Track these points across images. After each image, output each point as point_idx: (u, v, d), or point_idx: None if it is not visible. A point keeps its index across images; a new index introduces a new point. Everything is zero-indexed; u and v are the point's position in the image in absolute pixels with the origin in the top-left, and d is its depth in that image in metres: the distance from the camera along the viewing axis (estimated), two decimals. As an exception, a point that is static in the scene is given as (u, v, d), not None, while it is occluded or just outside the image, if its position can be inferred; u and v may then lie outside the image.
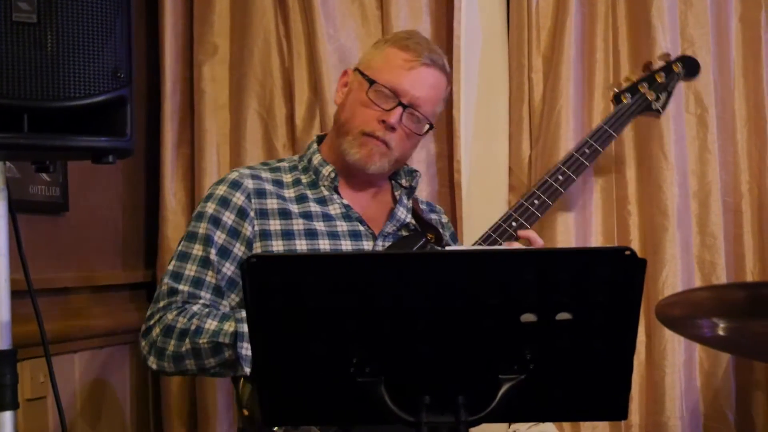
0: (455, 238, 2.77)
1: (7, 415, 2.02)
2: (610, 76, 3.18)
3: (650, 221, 3.16)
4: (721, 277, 3.12)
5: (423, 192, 3.18)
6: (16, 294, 2.33)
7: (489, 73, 3.29)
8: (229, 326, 2.29)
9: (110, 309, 3.12)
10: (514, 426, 3.04)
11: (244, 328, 2.27)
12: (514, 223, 2.63)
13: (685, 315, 2.14)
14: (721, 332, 2.11)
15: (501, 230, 2.62)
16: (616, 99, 2.93)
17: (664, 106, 2.97)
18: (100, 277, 3.20)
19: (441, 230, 2.64)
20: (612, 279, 1.56)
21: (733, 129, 3.19)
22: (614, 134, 2.87)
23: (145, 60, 3.44)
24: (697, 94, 3.19)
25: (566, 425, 3.13)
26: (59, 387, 2.87)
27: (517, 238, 2.61)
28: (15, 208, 2.07)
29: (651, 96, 2.93)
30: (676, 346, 3.10)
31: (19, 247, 2.11)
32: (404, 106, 2.49)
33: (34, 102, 1.75)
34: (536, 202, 2.70)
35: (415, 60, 2.51)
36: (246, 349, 2.26)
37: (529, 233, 2.63)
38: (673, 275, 3.10)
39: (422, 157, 3.27)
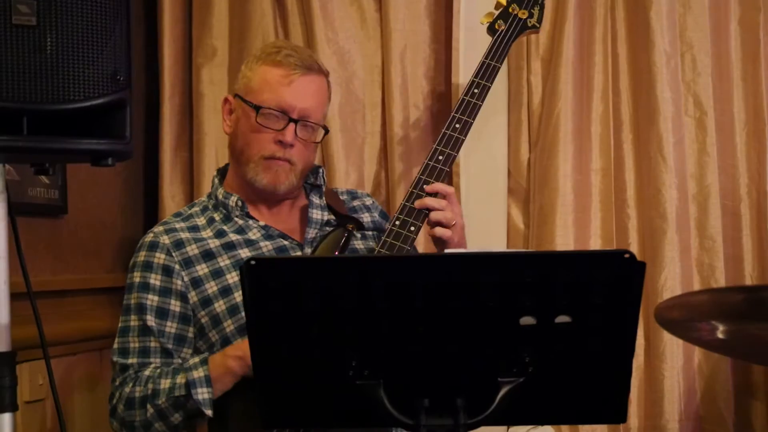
0: (385, 215, 2.76)
1: (6, 417, 2.02)
2: (609, 79, 3.17)
3: (649, 224, 3.16)
4: (720, 280, 3.13)
5: (421, 195, 3.18)
6: (15, 296, 2.33)
7: (488, 77, 3.29)
8: (180, 379, 2.33)
9: (109, 312, 3.12)
10: (513, 429, 3.05)
11: (194, 375, 2.32)
12: (424, 185, 2.57)
13: (683, 318, 2.14)
14: (719, 335, 2.11)
15: (414, 196, 2.55)
16: (491, 29, 2.85)
17: (539, 20, 2.89)
18: (99, 279, 3.20)
19: (369, 212, 2.69)
20: (611, 282, 1.56)
21: (732, 132, 3.19)
22: (498, 65, 2.78)
23: (144, 63, 3.44)
24: (696, 97, 3.19)
25: (564, 428, 3.13)
26: (59, 389, 2.88)
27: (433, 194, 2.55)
28: (14, 211, 2.07)
29: (524, 15, 2.86)
30: (674, 349, 3.10)
31: (18, 249, 2.11)
32: (295, 121, 2.51)
33: (33, 104, 1.74)
34: (440, 157, 2.63)
35: (291, 73, 2.50)
36: (201, 394, 2.30)
37: (437, 186, 2.57)
38: (672, 278, 3.10)
39: (420, 161, 3.27)
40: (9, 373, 2.05)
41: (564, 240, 3.14)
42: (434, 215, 2.52)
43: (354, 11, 3.33)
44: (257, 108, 2.49)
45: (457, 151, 2.67)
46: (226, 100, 2.62)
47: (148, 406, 2.35)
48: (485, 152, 3.26)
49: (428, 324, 1.60)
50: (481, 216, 3.18)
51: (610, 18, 3.21)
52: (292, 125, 2.50)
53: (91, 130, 1.81)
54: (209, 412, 2.30)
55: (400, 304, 1.59)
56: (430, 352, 1.62)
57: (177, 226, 2.56)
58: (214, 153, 3.33)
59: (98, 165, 1.84)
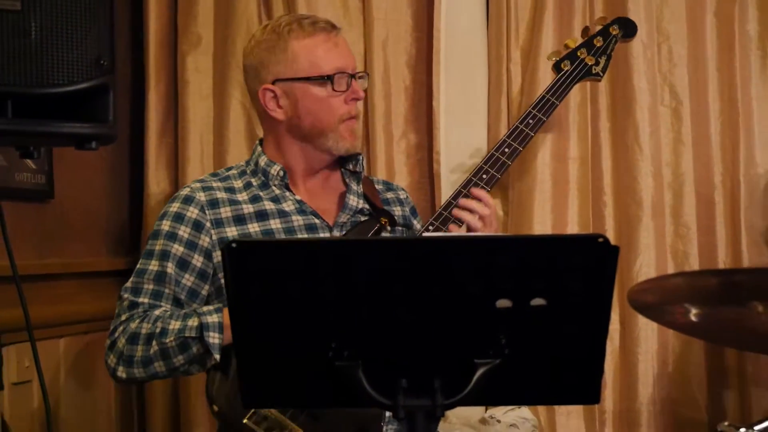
0: (415, 212, 2.77)
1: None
2: (587, 68, 3.18)
3: (625, 211, 3.17)
4: (694, 266, 3.14)
5: (403, 182, 3.19)
6: (1, 280, 2.33)
7: (468, 64, 3.29)
8: (193, 321, 2.32)
9: (95, 295, 3.12)
10: (491, 410, 3.05)
11: (208, 319, 2.31)
12: (452, 210, 2.60)
13: (657, 301, 2.14)
14: (693, 318, 2.12)
15: (443, 218, 2.59)
16: (556, 67, 2.88)
17: (604, 70, 2.92)
18: (84, 263, 3.19)
19: (401, 206, 2.68)
20: (585, 265, 1.56)
21: (707, 122, 3.20)
22: (557, 102, 2.82)
23: (130, 50, 3.43)
24: (671, 87, 3.21)
25: (541, 410, 3.14)
26: (45, 371, 2.87)
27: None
28: (1, 195, 2.06)
29: (591, 61, 2.89)
30: (649, 333, 3.12)
31: (5, 233, 2.10)
32: (353, 76, 2.52)
33: (18, 88, 1.74)
34: (484, 176, 2.66)
35: (330, 36, 2.50)
36: (213, 338, 2.29)
37: (479, 192, 2.61)
38: (647, 264, 3.12)
39: (402, 148, 3.28)
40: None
41: (542, 226, 3.15)
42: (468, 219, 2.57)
43: (337, 0, 3.32)
44: (327, 78, 2.47)
45: (501, 174, 2.70)
46: (265, 90, 2.52)
47: (154, 343, 2.32)
48: (466, 139, 3.27)
49: (406, 307, 1.59)
50: (461, 202, 3.18)
51: (588, 9, 3.22)
52: (353, 81, 2.51)
53: (75, 114, 1.80)
54: (217, 356, 2.28)
55: (379, 287, 1.59)
56: (408, 334, 1.61)
57: (214, 185, 2.55)
58: (198, 139, 3.33)
59: (82, 148, 1.83)
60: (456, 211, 2.58)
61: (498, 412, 3.04)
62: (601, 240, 1.53)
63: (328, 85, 2.48)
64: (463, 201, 2.59)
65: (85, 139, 1.83)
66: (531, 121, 2.77)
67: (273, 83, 2.51)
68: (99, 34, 1.79)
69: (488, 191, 2.64)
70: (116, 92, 1.84)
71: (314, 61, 2.49)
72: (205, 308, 2.37)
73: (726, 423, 1.89)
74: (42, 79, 1.75)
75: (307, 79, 2.49)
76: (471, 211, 2.58)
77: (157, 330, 2.33)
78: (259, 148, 2.60)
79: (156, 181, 3.36)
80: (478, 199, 2.60)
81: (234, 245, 1.57)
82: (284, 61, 2.50)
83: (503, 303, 1.58)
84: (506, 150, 2.72)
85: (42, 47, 1.75)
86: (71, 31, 1.76)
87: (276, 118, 2.53)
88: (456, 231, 2.56)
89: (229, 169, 2.65)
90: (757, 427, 1.86)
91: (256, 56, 2.53)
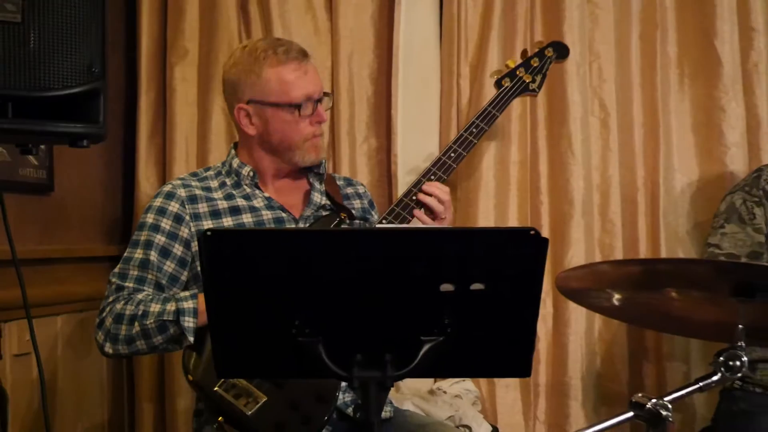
0: (372, 205, 2.75)
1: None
2: (527, 83, 3.19)
3: (559, 209, 3.18)
4: (618, 257, 3.15)
5: (364, 180, 3.18)
6: (3, 263, 2.30)
7: (423, 78, 3.29)
8: (170, 306, 2.31)
9: (90, 278, 3.09)
10: (438, 383, 3.05)
11: (184, 305, 2.30)
12: (414, 197, 2.60)
13: (583, 287, 2.14)
14: (615, 303, 2.12)
15: (403, 204, 2.58)
16: (498, 84, 2.88)
17: (539, 87, 2.92)
18: (81, 249, 3.17)
19: (360, 200, 2.67)
20: (519, 255, 1.55)
21: (631, 131, 3.22)
22: (498, 114, 2.82)
23: (125, 61, 3.41)
24: (601, 101, 3.22)
25: (483, 383, 3.14)
26: (44, 344, 2.86)
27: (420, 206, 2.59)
28: (6, 188, 2.04)
29: (528, 78, 2.89)
30: (578, 317, 3.14)
31: (5, 220, 2.08)
32: (319, 101, 2.49)
33: (17, 92, 1.72)
34: (432, 177, 2.65)
35: (300, 65, 2.47)
36: (188, 322, 2.29)
37: (432, 185, 2.61)
38: (578, 256, 3.13)
39: (364, 150, 3.27)
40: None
41: (486, 222, 3.15)
42: (430, 202, 2.57)
43: (309, 20, 3.31)
44: (297, 106, 2.45)
45: (447, 176, 2.69)
46: (240, 110, 2.49)
47: (136, 324, 2.31)
48: (420, 144, 3.26)
49: (361, 289, 1.59)
50: (415, 199, 3.17)
51: (529, 31, 3.22)
52: (318, 105, 2.49)
53: (69, 115, 1.79)
54: (191, 339, 2.28)
55: (337, 272, 1.58)
56: (362, 314, 1.61)
57: (193, 183, 2.53)
58: (184, 141, 3.31)
59: (75, 146, 1.81)
60: (421, 196, 2.58)
61: (444, 384, 3.04)
62: (532, 233, 1.53)
63: (295, 111, 2.46)
64: (426, 186, 2.58)
65: (77, 137, 1.82)
66: (474, 130, 2.77)
67: (247, 103, 2.49)
68: (91, 45, 1.77)
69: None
70: (106, 96, 1.83)
71: (285, 89, 2.46)
72: (181, 294, 2.36)
73: (640, 394, 1.89)
74: (39, 83, 1.73)
75: (278, 104, 2.47)
76: (432, 195, 2.57)
77: (139, 312, 2.32)
78: (233, 152, 2.59)
79: (146, 176, 3.33)
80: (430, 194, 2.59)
81: (209, 233, 1.56)
82: (258, 85, 2.47)
83: (447, 287, 1.57)
84: (452, 155, 2.71)
85: (40, 55, 1.73)
86: (66, 41, 1.75)
87: (248, 133, 2.51)
88: (413, 221, 2.56)
89: (207, 169, 2.63)
90: (666, 398, 1.86)
91: (234, 75, 2.51)
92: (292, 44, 2.51)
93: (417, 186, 2.61)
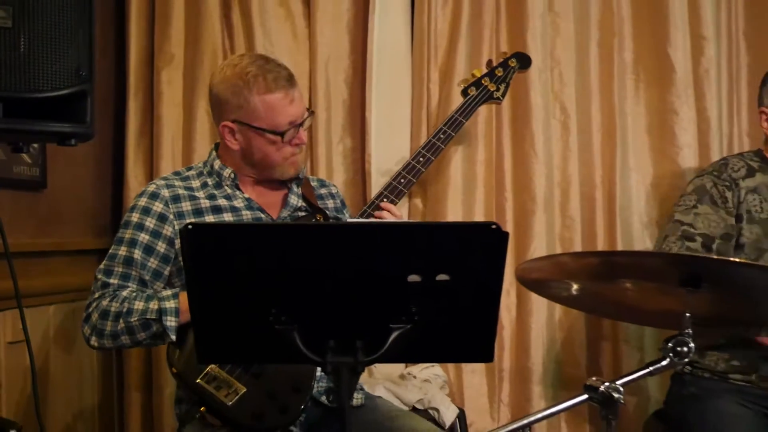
0: (344, 204, 2.73)
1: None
2: (493, 88, 3.19)
3: (522, 205, 3.19)
4: (578, 250, 3.16)
5: (339, 179, 3.19)
6: (-2, 256, 2.29)
7: (395, 83, 3.28)
8: (153, 305, 2.29)
9: (80, 270, 3.07)
10: (409, 368, 3.06)
11: (166, 304, 2.29)
12: (385, 199, 2.65)
13: (543, 278, 2.15)
14: (573, 293, 2.13)
15: (374, 206, 2.64)
16: (464, 92, 2.90)
17: (503, 95, 2.95)
18: (72, 243, 3.15)
19: (332, 199, 2.66)
20: (481, 247, 1.56)
21: (590, 132, 3.23)
22: (464, 121, 2.85)
23: (114, 66, 3.40)
24: (562, 104, 3.23)
25: (451, 368, 3.15)
26: (37, 333, 2.84)
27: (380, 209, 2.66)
28: (1, 185, 2.02)
29: (493, 87, 2.92)
30: (540, 306, 3.15)
31: (-3, 215, 2.07)
32: (302, 124, 2.45)
33: (8, 93, 1.71)
34: (402, 180, 2.71)
35: (287, 92, 2.41)
36: (170, 321, 2.27)
37: (388, 206, 2.66)
38: (539, 249, 3.14)
39: (339, 150, 3.27)
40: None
41: (454, 217, 3.16)
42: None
43: (288, 27, 3.31)
44: (281, 134, 2.41)
45: (416, 179, 2.74)
46: (224, 127, 2.44)
47: (120, 320, 2.29)
48: (392, 144, 3.26)
49: (334, 280, 1.59)
50: (387, 196, 3.18)
51: (495, 39, 3.23)
52: (300, 129, 2.45)
53: (58, 115, 1.78)
54: (173, 337, 2.27)
55: (312, 264, 1.58)
56: (335, 303, 1.61)
57: (176, 183, 2.49)
58: (170, 141, 3.29)
59: (64, 144, 1.81)
60: (377, 213, 2.63)
61: (414, 369, 3.05)
62: (493, 227, 1.53)
63: (279, 137, 2.42)
64: (377, 213, 2.64)
65: (66, 136, 1.81)
66: (442, 136, 2.81)
67: (232, 121, 2.43)
68: (79, 49, 1.76)
69: (405, 192, 2.72)
70: (93, 98, 1.82)
71: (270, 116, 2.40)
72: (164, 293, 2.33)
73: (594, 378, 1.90)
74: (29, 85, 1.72)
75: (262, 129, 2.41)
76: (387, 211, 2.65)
77: (124, 309, 2.30)
78: (214, 153, 2.55)
79: (134, 174, 3.32)
80: (388, 211, 2.65)
81: (190, 227, 1.56)
82: (245, 108, 2.40)
83: (414, 278, 1.58)
84: (421, 159, 2.76)
85: (30, 59, 1.72)
86: (55, 45, 1.74)
87: (231, 147, 2.47)
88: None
89: (189, 168, 2.59)
90: (618, 382, 1.87)
91: (222, 93, 2.43)
92: (281, 70, 2.43)
93: (379, 197, 2.67)
